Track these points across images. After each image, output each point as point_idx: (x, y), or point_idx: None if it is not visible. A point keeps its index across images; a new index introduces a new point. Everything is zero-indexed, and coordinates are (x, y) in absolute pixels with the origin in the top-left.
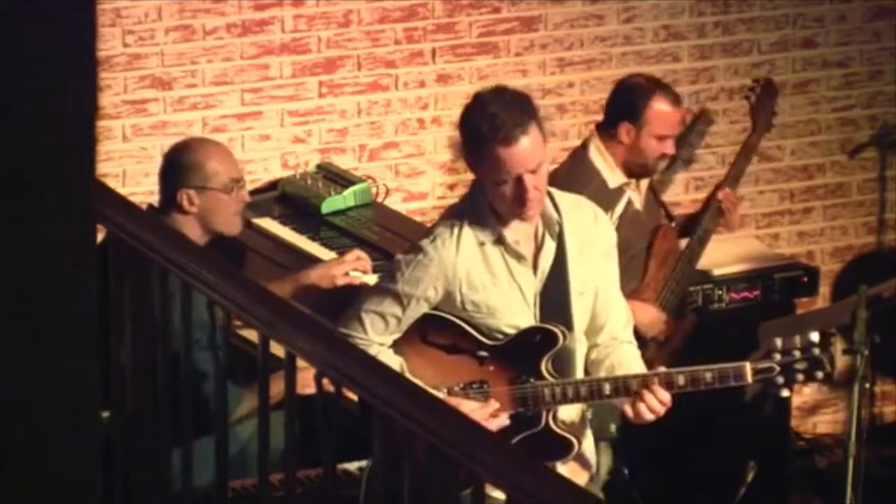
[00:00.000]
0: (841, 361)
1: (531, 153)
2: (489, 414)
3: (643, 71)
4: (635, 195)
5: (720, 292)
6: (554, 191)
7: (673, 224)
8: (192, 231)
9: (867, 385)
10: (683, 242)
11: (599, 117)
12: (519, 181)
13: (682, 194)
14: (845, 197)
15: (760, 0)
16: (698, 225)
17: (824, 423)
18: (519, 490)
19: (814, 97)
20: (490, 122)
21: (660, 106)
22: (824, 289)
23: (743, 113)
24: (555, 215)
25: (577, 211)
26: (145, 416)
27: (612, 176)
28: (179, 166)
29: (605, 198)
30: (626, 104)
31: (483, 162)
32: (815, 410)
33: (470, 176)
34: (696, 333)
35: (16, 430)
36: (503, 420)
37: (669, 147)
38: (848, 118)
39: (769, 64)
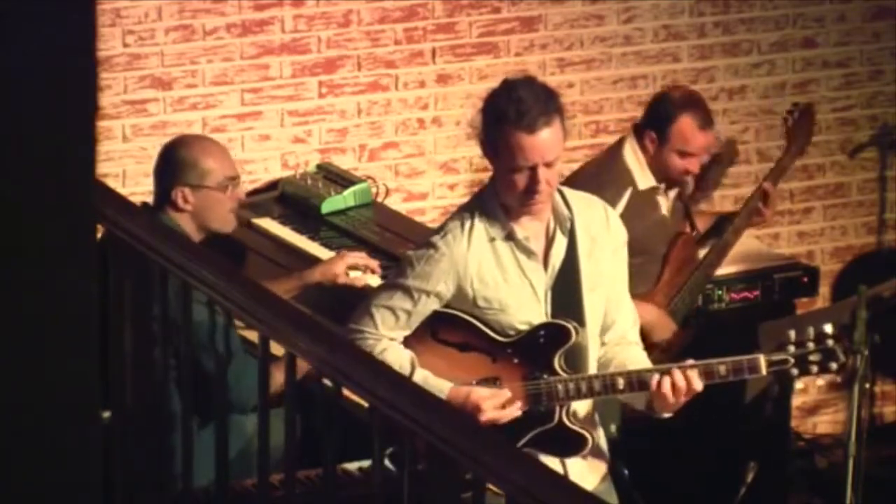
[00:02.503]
0: None
1: (550, 145)
2: (501, 403)
3: (643, 71)
4: (664, 200)
5: (720, 292)
6: (565, 188)
7: (694, 234)
8: (187, 228)
9: (867, 385)
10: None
11: (600, 117)
12: (533, 171)
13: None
14: (845, 197)
15: (760, 0)
16: (729, 224)
17: (824, 423)
18: (520, 490)
19: (814, 97)
20: (517, 106)
21: (686, 124)
22: (824, 289)
23: (743, 113)
24: (566, 212)
25: (588, 208)
26: (145, 416)
27: (643, 178)
28: (175, 163)
29: (633, 199)
30: (656, 114)
31: (502, 146)
32: (815, 410)
33: (470, 175)
34: (695, 334)
35: (16, 430)
36: (516, 409)
37: (693, 165)
38: (848, 118)
39: (769, 64)
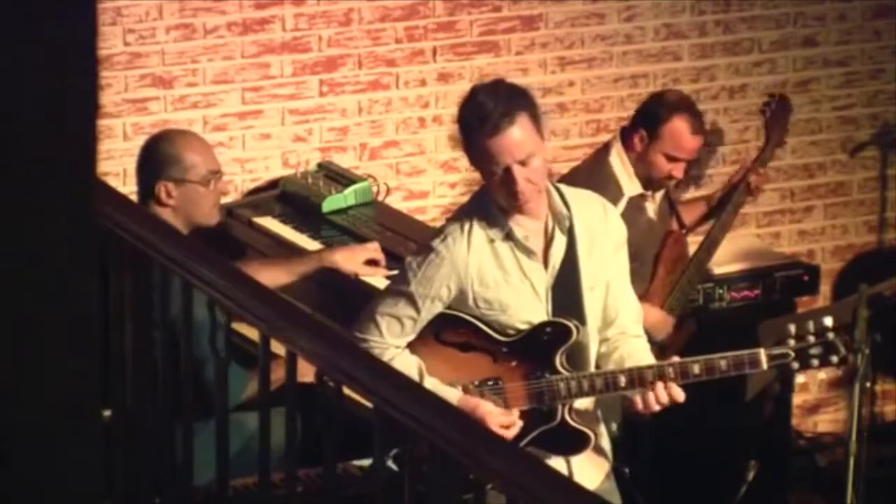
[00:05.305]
0: None
1: (519, 144)
2: (506, 424)
3: (644, 70)
4: (650, 204)
5: (721, 291)
6: (563, 186)
7: (683, 231)
8: (172, 223)
9: (868, 384)
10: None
11: (600, 116)
12: (507, 172)
13: (683, 193)
14: (846, 196)
15: None
16: (721, 211)
17: (825, 421)
18: (523, 492)
19: (814, 96)
20: (478, 112)
21: (679, 126)
22: (825, 288)
23: (744, 112)
24: (564, 210)
25: (586, 205)
26: (146, 414)
27: (630, 185)
28: (157, 158)
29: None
30: (649, 113)
31: (474, 154)
32: (815, 409)
33: (471, 174)
34: (697, 332)
35: (16, 430)
36: (516, 429)
37: (678, 171)
38: (849, 117)
39: (770, 63)
